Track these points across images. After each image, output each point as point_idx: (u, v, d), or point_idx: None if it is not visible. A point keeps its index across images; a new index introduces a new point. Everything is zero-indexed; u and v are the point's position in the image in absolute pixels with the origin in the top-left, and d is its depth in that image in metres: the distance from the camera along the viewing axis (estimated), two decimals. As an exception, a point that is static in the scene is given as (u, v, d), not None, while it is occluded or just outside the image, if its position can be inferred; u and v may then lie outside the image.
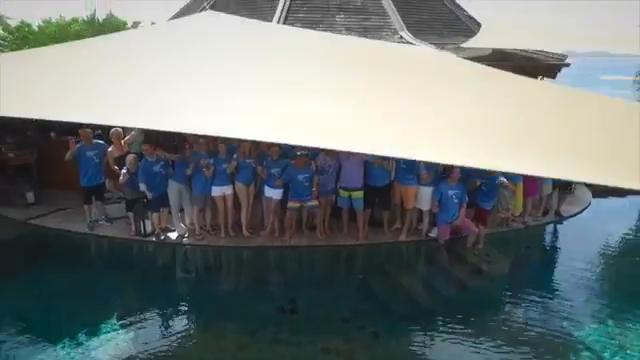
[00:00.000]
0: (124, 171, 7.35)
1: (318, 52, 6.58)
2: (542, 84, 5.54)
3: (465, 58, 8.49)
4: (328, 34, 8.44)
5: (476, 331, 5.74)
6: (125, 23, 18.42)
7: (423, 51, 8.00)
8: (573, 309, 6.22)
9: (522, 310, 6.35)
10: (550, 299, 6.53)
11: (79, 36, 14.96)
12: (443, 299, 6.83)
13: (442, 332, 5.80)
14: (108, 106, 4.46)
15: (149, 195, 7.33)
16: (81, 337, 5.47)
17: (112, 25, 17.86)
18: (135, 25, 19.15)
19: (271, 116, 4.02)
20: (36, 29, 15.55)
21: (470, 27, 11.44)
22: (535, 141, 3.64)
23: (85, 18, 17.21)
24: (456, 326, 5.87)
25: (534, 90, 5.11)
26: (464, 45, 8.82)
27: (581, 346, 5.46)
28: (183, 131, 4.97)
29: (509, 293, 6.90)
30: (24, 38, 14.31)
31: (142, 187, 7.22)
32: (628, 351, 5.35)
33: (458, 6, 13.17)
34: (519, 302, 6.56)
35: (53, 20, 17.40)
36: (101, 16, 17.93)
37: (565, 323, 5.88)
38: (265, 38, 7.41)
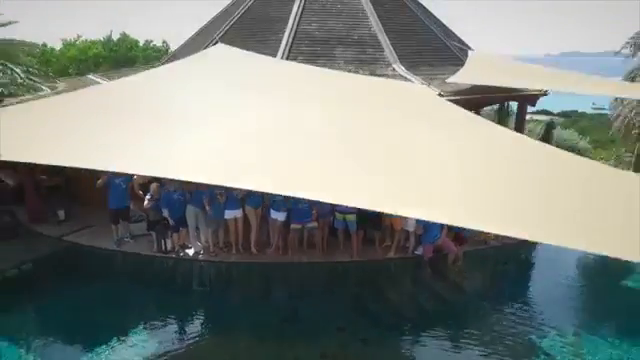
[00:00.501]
0: (148, 197, 8.45)
1: (307, 92, 7.64)
2: (501, 133, 6.47)
3: (449, 92, 9.59)
4: (322, 71, 9.44)
5: (453, 338, 6.83)
6: (137, 42, 19.51)
7: (407, 89, 8.96)
8: (540, 320, 7.27)
9: (494, 320, 7.41)
10: (521, 311, 7.58)
11: (97, 58, 16.04)
12: (426, 310, 7.92)
13: (424, 339, 6.91)
14: (124, 155, 5.60)
15: (170, 220, 8.44)
16: (112, 341, 6.60)
17: (126, 44, 18.95)
18: (147, 43, 20.23)
19: (260, 165, 5.10)
20: (57, 52, 16.65)
21: (458, 55, 12.47)
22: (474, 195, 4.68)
23: (101, 39, 18.29)
24: (436, 334, 6.97)
25: (493, 141, 6.11)
26: (448, 80, 9.83)
27: (542, 354, 6.50)
28: (193, 180, 5.94)
29: (483, 305, 7.95)
30: (47, 61, 15.40)
31: (165, 213, 8.34)
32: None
33: (448, 33, 14.21)
34: (492, 313, 7.62)
35: (69, 39, 18.52)
36: (116, 36, 19.00)
37: (532, 333, 6.93)
38: (261, 76, 8.45)
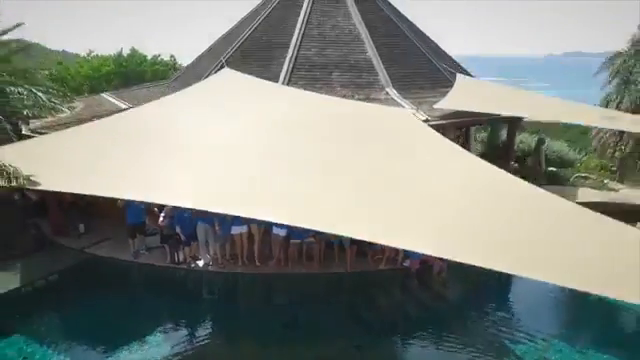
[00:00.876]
0: (163, 215, 9.40)
1: (302, 122, 8.61)
2: (475, 164, 7.38)
3: (435, 117, 10.51)
4: (316, 100, 10.35)
5: (437, 341, 7.80)
6: (146, 57, 20.48)
7: (395, 117, 9.83)
8: (515, 327, 8.19)
9: (473, 325, 8.35)
10: (498, 318, 8.52)
11: (109, 75, 17.01)
12: (412, 317, 8.86)
13: (411, 343, 7.87)
14: (142, 186, 6.62)
15: (182, 235, 9.40)
16: (130, 343, 7.58)
17: (135, 59, 19.93)
18: (155, 58, 21.18)
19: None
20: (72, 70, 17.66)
21: (448, 78, 13.36)
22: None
23: (112, 54, 19.28)
24: (422, 337, 7.94)
25: (468, 173, 7.03)
26: (436, 106, 10.73)
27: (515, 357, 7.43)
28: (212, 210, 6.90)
29: (464, 312, 8.87)
30: (63, 79, 16.38)
31: (177, 229, 9.28)
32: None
33: (440, 54, 15.12)
34: (471, 319, 8.55)
35: (82, 54, 19.51)
36: (126, 51, 19.99)
37: (506, 337, 7.86)
38: (261, 105, 9.41)
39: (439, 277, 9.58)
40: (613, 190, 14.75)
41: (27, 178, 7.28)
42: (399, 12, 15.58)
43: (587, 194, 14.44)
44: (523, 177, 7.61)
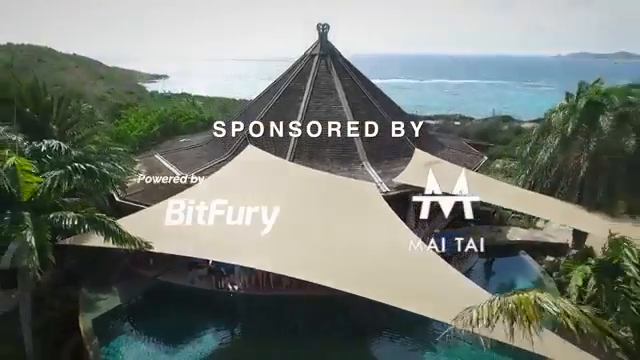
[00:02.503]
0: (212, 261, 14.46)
1: (292, 193, 13.60)
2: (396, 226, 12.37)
3: (394, 188, 15.46)
4: (310, 173, 15.35)
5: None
6: (185, 116, 25.63)
7: (360, 191, 14.77)
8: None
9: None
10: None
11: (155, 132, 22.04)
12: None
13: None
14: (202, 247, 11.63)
15: (223, 271, 14.48)
16: (191, 340, 12.70)
17: (176, 116, 25.04)
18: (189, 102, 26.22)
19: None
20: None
21: (410, 147, 18.29)
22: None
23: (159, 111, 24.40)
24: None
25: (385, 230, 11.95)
26: (394, 179, 15.67)
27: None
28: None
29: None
30: (121, 139, 21.46)
31: (221, 267, 14.37)
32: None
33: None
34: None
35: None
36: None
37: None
38: (273, 178, 14.41)
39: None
40: (539, 229, 19.52)
41: (133, 241, 12.21)
42: (374, 86, 20.70)
43: (517, 233, 19.37)
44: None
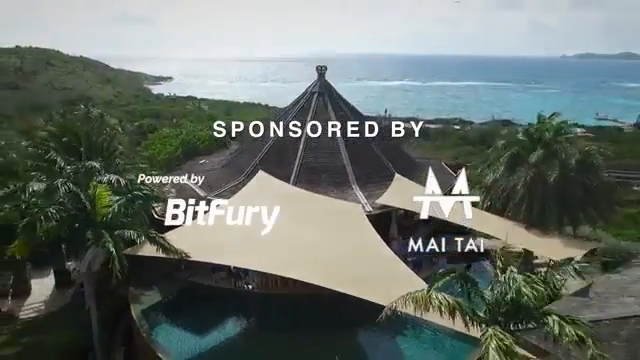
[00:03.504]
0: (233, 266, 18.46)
1: (293, 211, 17.56)
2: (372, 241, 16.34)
3: (377, 207, 19.47)
4: (309, 196, 19.34)
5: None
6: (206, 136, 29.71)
7: (348, 210, 18.76)
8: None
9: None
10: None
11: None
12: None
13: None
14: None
15: (241, 273, 18.48)
16: (215, 332, 16.65)
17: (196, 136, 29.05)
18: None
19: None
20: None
21: (391, 174, 22.27)
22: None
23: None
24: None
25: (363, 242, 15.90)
26: (377, 201, 19.64)
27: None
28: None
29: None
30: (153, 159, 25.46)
31: (239, 271, 18.38)
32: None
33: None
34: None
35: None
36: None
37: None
38: (280, 199, 18.38)
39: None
40: (499, 239, 23.42)
41: (176, 251, 16.17)
42: (362, 115, 24.69)
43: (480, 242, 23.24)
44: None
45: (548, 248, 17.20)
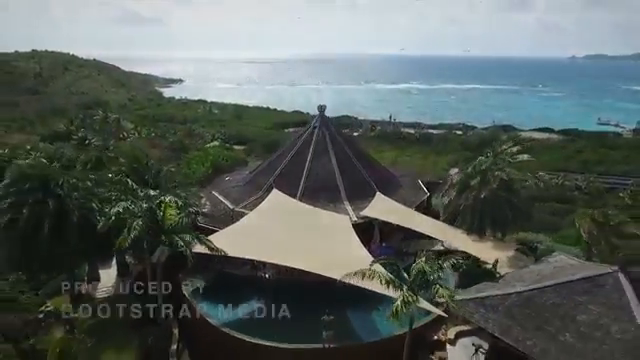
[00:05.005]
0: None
1: (298, 221, 24.66)
2: (354, 245, 23.37)
3: (362, 218, 26.64)
4: (310, 209, 26.44)
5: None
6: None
7: (339, 220, 25.82)
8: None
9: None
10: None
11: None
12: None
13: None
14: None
15: (261, 266, 25.68)
16: (240, 308, 23.90)
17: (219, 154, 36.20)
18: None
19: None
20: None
21: (375, 191, 29.30)
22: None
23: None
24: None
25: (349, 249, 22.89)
26: (361, 213, 26.66)
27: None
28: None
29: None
30: (188, 176, 32.59)
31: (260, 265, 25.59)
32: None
33: (374, 169, 31.18)
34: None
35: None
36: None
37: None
38: (289, 214, 25.51)
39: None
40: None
41: (218, 249, 23.23)
42: (354, 145, 31.66)
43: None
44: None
45: (477, 248, 24.16)
